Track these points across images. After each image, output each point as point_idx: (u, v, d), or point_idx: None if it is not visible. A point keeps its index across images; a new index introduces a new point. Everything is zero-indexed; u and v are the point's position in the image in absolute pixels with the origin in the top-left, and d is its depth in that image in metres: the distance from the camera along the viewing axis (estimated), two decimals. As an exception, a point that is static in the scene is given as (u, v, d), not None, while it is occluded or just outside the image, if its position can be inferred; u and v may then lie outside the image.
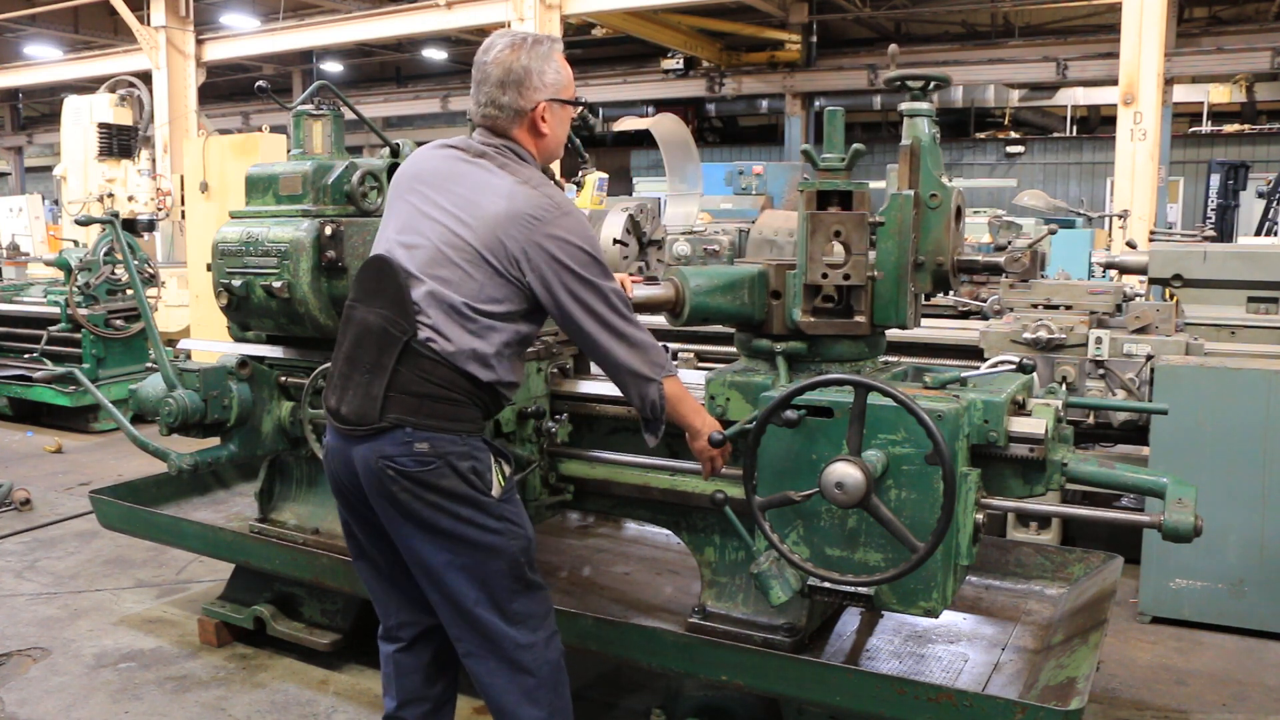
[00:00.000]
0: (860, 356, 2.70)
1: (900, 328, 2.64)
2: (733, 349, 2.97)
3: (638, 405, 2.53)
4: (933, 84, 2.64)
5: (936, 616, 2.49)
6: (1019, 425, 2.51)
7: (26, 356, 7.95)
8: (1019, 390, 2.59)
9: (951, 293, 2.86)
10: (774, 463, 2.53)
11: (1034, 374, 2.75)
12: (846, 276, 2.50)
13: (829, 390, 2.44)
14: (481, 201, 2.39)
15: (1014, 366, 2.75)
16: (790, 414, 2.46)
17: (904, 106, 2.65)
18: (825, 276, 2.52)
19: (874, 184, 2.89)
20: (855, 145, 2.56)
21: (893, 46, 3.06)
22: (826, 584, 2.47)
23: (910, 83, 2.63)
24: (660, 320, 2.77)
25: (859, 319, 2.56)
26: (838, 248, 2.51)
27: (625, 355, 2.44)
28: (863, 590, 2.47)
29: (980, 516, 2.48)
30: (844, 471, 2.32)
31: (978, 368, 2.86)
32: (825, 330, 2.60)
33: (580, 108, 2.64)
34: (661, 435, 2.56)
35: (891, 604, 2.50)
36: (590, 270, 2.40)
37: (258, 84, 3.63)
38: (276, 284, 3.45)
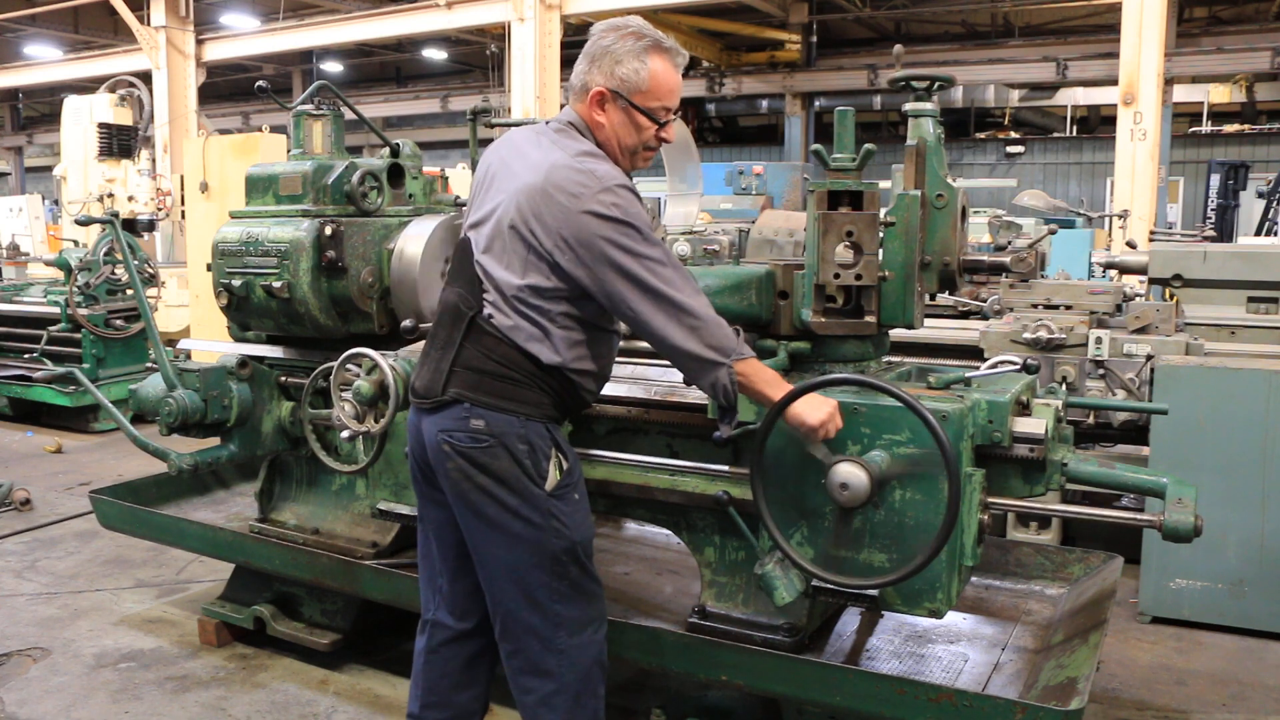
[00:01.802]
0: (865, 357, 2.70)
1: (907, 327, 2.64)
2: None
3: (707, 393, 2.38)
4: (937, 84, 2.63)
5: (941, 617, 2.49)
6: (1019, 425, 2.52)
7: (26, 356, 7.95)
8: (1023, 391, 2.59)
9: (950, 291, 2.86)
10: (780, 462, 2.53)
11: (1038, 374, 2.75)
12: (859, 277, 2.49)
13: (833, 390, 2.44)
14: (525, 180, 2.35)
15: (1016, 367, 2.75)
16: None
17: (909, 107, 2.65)
18: (837, 276, 2.50)
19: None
20: (866, 145, 2.54)
21: (898, 47, 3.06)
22: (831, 585, 2.47)
23: (915, 83, 2.63)
24: None
25: (869, 319, 2.55)
26: (843, 248, 2.51)
27: (683, 339, 2.28)
28: (868, 591, 2.47)
29: (985, 517, 2.48)
30: (849, 472, 2.31)
31: (978, 368, 2.86)
32: (835, 330, 2.59)
33: (659, 127, 2.43)
34: (735, 424, 2.41)
35: (896, 605, 2.50)
36: (633, 242, 2.25)
37: (258, 84, 3.63)
38: (276, 284, 3.45)
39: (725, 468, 2.89)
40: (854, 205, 2.52)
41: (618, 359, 3.49)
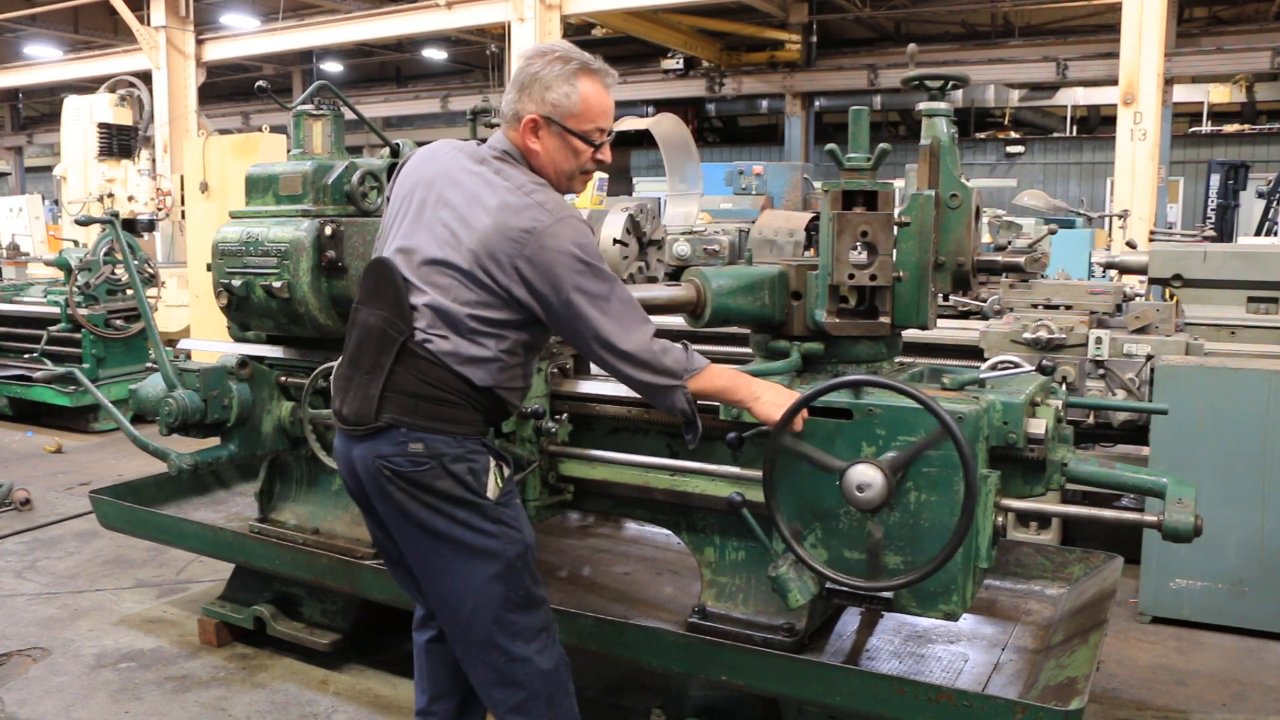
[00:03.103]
0: (878, 357, 2.69)
1: (920, 328, 2.63)
2: (742, 349, 2.96)
3: (667, 414, 2.45)
4: (951, 84, 2.62)
5: (956, 619, 2.48)
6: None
7: (26, 356, 7.95)
8: (1037, 392, 2.58)
9: (963, 292, 2.84)
10: (794, 465, 2.52)
11: (1052, 375, 2.72)
12: (873, 277, 2.47)
13: (849, 391, 2.43)
14: (471, 217, 2.33)
15: (1025, 368, 2.74)
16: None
17: (922, 106, 2.64)
18: (852, 277, 2.49)
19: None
20: (881, 145, 2.53)
21: (911, 46, 3.05)
22: (845, 588, 2.46)
23: (929, 82, 2.61)
24: (679, 321, 2.75)
25: (883, 320, 2.55)
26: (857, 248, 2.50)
27: (634, 370, 2.34)
28: (882, 594, 2.46)
29: (999, 519, 2.47)
30: (868, 476, 2.31)
31: (977, 368, 2.86)
32: (849, 331, 2.58)
33: (593, 149, 2.44)
34: (700, 435, 2.46)
35: (911, 607, 2.49)
36: (584, 279, 2.29)
37: (258, 84, 3.63)
38: (276, 284, 3.45)
39: (725, 468, 2.89)
40: (868, 205, 2.50)
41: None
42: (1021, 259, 2.80)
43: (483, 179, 2.38)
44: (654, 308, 2.59)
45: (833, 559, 2.50)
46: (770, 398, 2.43)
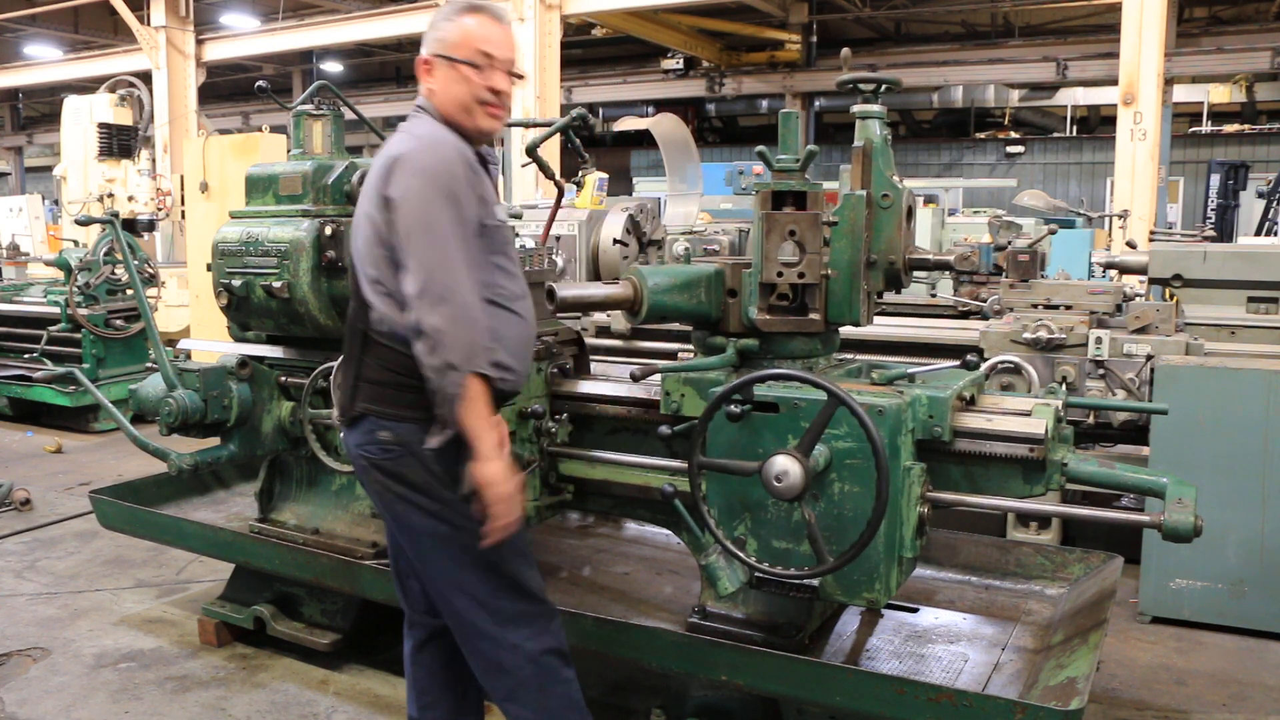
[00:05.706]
0: (813, 353, 2.75)
1: (853, 325, 2.70)
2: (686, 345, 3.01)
3: (436, 395, 2.25)
4: (884, 86, 2.70)
5: (879, 608, 2.56)
6: (1019, 425, 2.52)
7: (26, 356, 7.96)
8: (967, 387, 2.63)
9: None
10: (720, 457, 2.57)
11: (979, 370, 2.78)
12: (801, 275, 2.55)
13: (775, 385, 2.50)
14: (370, 173, 2.41)
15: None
16: (733, 408, 2.54)
17: (856, 109, 2.72)
18: (780, 275, 2.56)
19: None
20: (809, 147, 2.61)
21: (845, 50, 3.12)
22: (770, 576, 2.51)
23: (862, 85, 2.69)
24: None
25: (814, 316, 2.61)
26: (793, 247, 2.55)
27: (419, 318, 2.20)
28: (807, 581, 2.51)
29: (924, 509, 2.51)
30: (784, 465, 2.35)
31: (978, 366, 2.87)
32: (780, 328, 2.65)
33: (479, 72, 2.38)
34: (449, 434, 2.29)
35: (836, 595, 2.55)
36: (422, 207, 2.22)
37: (258, 84, 3.64)
38: (276, 284, 3.45)
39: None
40: (798, 205, 2.58)
41: (616, 359, 3.48)
42: (951, 257, 2.84)
43: (391, 138, 2.46)
44: (592, 305, 2.67)
45: (762, 548, 2.55)
46: (496, 465, 2.28)
